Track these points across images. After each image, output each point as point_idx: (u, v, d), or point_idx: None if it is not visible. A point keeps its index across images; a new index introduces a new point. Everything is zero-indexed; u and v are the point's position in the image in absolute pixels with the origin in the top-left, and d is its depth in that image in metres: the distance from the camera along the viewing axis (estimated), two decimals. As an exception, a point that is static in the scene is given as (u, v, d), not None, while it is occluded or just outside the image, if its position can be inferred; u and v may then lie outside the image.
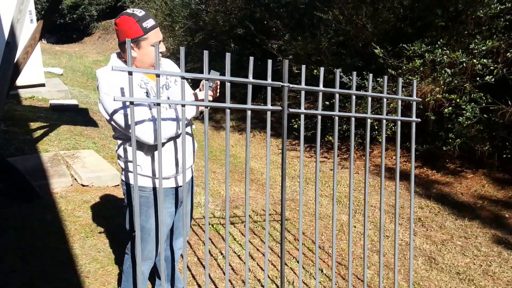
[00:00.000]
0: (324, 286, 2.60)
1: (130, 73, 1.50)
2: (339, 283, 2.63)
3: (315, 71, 4.67)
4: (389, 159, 5.27)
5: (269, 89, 1.80)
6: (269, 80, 1.78)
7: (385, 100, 2.14)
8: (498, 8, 3.94)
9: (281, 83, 1.79)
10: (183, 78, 1.63)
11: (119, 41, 1.72)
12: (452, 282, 2.73)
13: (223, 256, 2.85)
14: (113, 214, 3.31)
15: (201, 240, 3.13)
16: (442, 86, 4.06)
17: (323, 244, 3.24)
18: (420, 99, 2.32)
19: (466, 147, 4.40)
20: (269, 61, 1.77)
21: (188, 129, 1.88)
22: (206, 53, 1.61)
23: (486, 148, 4.25)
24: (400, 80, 2.17)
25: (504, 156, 4.18)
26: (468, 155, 4.57)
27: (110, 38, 17.68)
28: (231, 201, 4.11)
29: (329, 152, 5.73)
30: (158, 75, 1.55)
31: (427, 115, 4.49)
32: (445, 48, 4.06)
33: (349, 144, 5.50)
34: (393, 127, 4.67)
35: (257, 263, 2.82)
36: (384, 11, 4.73)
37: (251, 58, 1.75)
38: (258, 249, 3.03)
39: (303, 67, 1.85)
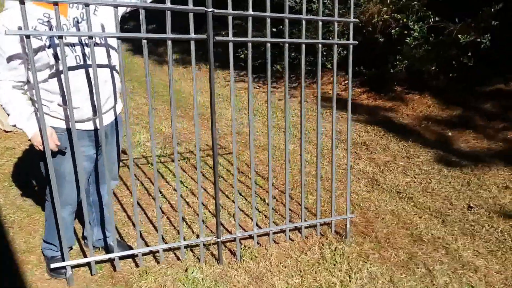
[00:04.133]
0: (263, 213, 2.73)
1: (21, 2, 1.37)
2: (280, 210, 2.77)
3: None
4: (338, 86, 5.37)
5: (191, 15, 1.72)
6: (191, 5, 1.69)
7: (320, 23, 2.11)
8: None
9: (204, 8, 1.72)
10: (87, 5, 1.51)
11: None
12: (392, 201, 2.95)
13: (162, 195, 2.90)
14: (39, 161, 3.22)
15: (139, 180, 3.14)
16: (390, 6, 4.07)
17: (267, 174, 3.35)
18: (358, 20, 2.32)
19: (413, 69, 4.55)
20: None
21: (106, 71, 1.74)
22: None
23: (433, 68, 4.41)
24: (336, 0, 2.14)
25: (450, 75, 4.39)
26: (416, 77, 4.75)
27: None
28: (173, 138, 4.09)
29: (277, 82, 5.74)
30: (56, 4, 1.43)
31: (376, 37, 4.54)
32: (392, -36, 4.02)
33: (297, 72, 5.52)
34: (341, 52, 4.70)
35: (197, 198, 2.89)
36: None
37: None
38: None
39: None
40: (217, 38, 1.79)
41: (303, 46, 2.07)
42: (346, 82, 5.44)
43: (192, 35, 1.74)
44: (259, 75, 5.96)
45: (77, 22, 1.64)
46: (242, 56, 5.36)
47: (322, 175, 3.28)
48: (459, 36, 4.01)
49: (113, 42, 1.78)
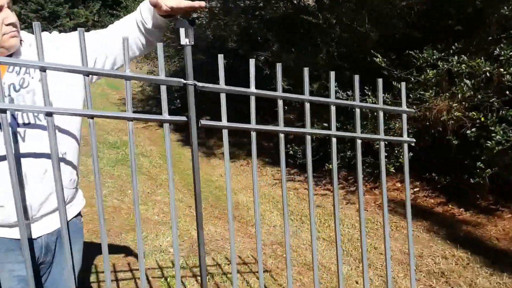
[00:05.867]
0: None
1: None
2: None
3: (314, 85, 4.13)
4: (402, 191, 4.58)
5: (163, 88, 1.25)
6: (162, 76, 1.23)
7: (358, 110, 1.55)
8: (527, 5, 3.32)
9: (182, 80, 1.25)
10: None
11: None
12: None
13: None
14: None
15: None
16: (463, 102, 3.42)
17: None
18: (414, 110, 1.73)
19: (500, 179, 3.69)
20: (159, 45, 1.23)
21: (46, 158, 1.29)
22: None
23: (526, 179, 3.52)
24: (380, 81, 1.60)
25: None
26: (504, 189, 3.85)
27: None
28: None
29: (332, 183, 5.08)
30: None
31: (448, 139, 3.83)
32: (462, 56, 3.44)
33: (355, 174, 4.86)
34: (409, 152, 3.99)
35: None
36: (389, 17, 4.14)
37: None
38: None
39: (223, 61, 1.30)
40: (203, 122, 1.29)
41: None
42: (415, 189, 4.64)
43: (166, 116, 1.25)
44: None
45: (14, 90, 1.25)
46: (292, 152, 4.86)
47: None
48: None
49: (65, 120, 1.35)
